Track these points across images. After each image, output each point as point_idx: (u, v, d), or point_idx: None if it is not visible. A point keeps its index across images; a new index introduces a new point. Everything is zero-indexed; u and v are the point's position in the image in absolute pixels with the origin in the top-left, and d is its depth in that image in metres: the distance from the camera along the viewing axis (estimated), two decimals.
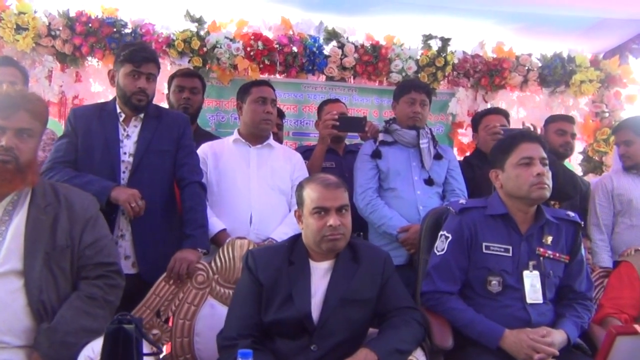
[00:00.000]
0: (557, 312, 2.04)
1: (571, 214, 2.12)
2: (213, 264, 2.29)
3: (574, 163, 4.25)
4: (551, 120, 3.24)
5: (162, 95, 3.40)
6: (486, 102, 4.16)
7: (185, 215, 2.36)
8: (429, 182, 2.72)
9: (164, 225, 2.39)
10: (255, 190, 2.62)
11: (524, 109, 4.20)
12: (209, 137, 3.05)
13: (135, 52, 2.34)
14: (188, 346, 2.20)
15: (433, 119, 4.16)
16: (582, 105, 4.32)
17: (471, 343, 1.94)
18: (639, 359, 1.21)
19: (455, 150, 4.20)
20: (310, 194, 1.90)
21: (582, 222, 2.11)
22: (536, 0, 3.81)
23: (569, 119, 3.26)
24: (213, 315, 2.21)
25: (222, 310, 2.13)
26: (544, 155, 2.03)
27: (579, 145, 4.39)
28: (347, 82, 4.07)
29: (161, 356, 2.17)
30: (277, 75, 3.96)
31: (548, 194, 2.00)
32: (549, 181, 2.00)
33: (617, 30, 4.31)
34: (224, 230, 2.51)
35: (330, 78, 4.01)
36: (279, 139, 3.21)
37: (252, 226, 2.55)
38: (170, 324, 2.25)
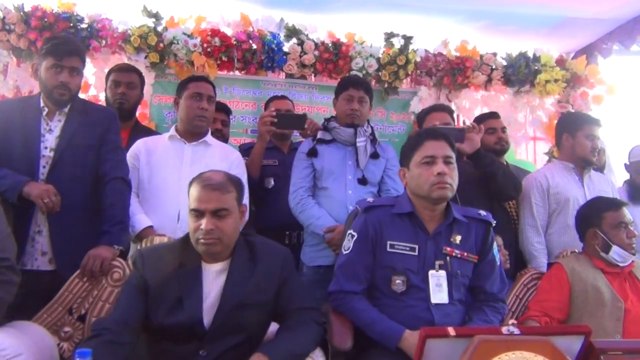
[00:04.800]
0: (468, 315, 1.98)
1: (483, 213, 2.06)
2: (130, 261, 2.26)
3: (539, 165, 4.19)
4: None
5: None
6: (450, 101, 4.09)
7: (105, 211, 2.32)
8: (363, 181, 2.64)
9: (84, 221, 2.33)
10: (185, 188, 2.57)
11: (488, 108, 4.10)
12: (149, 132, 3.03)
13: (57, 45, 2.31)
14: None
15: (395, 117, 4.12)
16: (548, 105, 4.24)
17: (374, 344, 1.89)
18: None
19: None
20: (192, 192, 1.84)
21: (495, 222, 2.04)
22: None
23: (494, 115, 3.26)
24: None
25: None
26: (449, 153, 1.97)
27: (544, 146, 4.34)
28: (308, 80, 4.03)
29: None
30: (236, 72, 3.92)
31: (450, 193, 1.94)
32: (451, 180, 1.94)
33: (585, 30, 4.25)
34: (151, 227, 2.48)
35: (290, 75, 3.96)
36: (224, 136, 3.17)
37: (179, 223, 2.50)
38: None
